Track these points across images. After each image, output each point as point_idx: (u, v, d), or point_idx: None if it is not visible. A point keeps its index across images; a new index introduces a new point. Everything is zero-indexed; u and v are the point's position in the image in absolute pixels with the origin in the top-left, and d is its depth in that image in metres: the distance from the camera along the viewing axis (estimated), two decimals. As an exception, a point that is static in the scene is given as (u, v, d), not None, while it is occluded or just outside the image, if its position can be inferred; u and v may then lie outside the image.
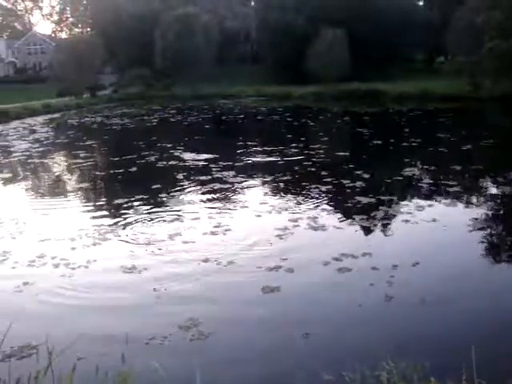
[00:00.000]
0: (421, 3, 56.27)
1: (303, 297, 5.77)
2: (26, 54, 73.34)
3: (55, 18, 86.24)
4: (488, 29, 28.49)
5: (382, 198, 9.54)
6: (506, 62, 27.44)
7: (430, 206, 9.06)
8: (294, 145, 16.59)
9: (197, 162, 14.30)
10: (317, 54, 40.84)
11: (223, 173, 12.49)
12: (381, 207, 8.93)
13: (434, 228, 7.83)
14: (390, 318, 5.37)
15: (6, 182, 13.57)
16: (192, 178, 12.24)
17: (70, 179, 14.05)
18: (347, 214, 8.72)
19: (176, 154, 15.90)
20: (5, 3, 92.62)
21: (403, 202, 9.54)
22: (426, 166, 12.59)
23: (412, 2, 53.55)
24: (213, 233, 7.86)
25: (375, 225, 8.12)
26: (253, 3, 66.53)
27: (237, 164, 13.76)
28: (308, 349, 4.71)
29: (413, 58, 51.62)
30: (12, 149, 19.67)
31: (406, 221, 8.15)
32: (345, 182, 10.97)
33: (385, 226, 8.09)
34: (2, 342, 3.29)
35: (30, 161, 16.62)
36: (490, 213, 8.79)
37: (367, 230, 7.92)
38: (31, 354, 4.52)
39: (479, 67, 29.44)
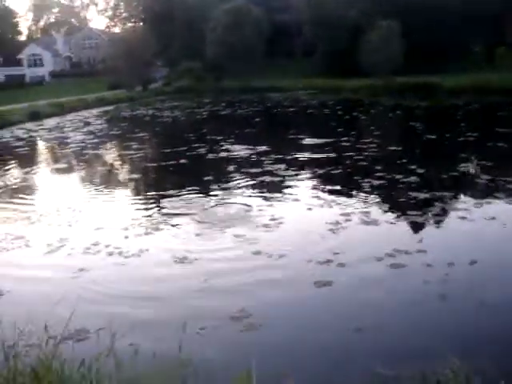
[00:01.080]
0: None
1: (356, 292, 5.65)
2: (81, 49, 75.67)
3: (109, 13, 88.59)
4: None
5: (437, 193, 9.22)
6: None
7: (488, 203, 8.68)
8: (345, 138, 16.34)
9: (247, 155, 14.31)
10: (370, 47, 40.05)
11: (274, 166, 12.43)
12: (436, 203, 8.65)
13: (493, 226, 7.49)
14: (445, 317, 5.18)
15: (63, 172, 14.04)
16: (243, 170, 12.25)
17: (122, 170, 14.37)
18: (401, 210, 8.50)
19: (226, 146, 15.97)
20: (63, 1, 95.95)
21: (460, 199, 9.20)
22: (483, 162, 12.10)
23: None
24: (264, 225, 7.82)
25: (430, 221, 7.87)
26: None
27: (288, 157, 13.67)
28: (361, 344, 4.61)
29: (471, 49, 49.71)
30: (68, 140, 20.35)
31: (463, 218, 7.84)
32: (398, 176, 10.69)
33: (440, 222, 7.83)
34: (66, 326, 3.38)
35: (84, 152, 17.13)
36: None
37: (422, 227, 7.67)
38: (89, 337, 4.64)
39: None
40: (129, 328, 3.86)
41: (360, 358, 4.37)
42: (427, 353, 4.22)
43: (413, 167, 11.41)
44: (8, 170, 14.72)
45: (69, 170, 14.23)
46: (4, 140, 20.96)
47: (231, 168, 12.66)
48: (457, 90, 32.19)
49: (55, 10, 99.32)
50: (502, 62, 39.60)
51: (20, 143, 19.99)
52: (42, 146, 20.77)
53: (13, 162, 16.23)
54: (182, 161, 14.03)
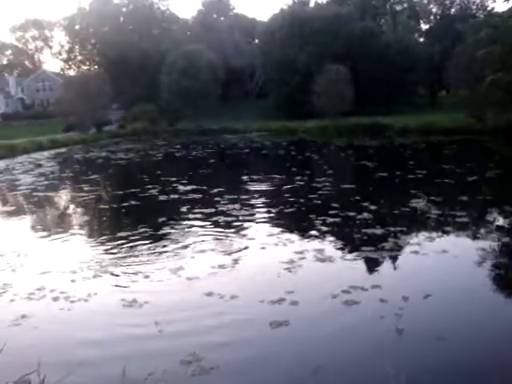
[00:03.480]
0: (421, 39, 57.27)
1: (312, 330, 5.55)
2: (34, 91, 74.79)
3: (64, 56, 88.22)
4: (489, 62, 28.79)
5: (390, 229, 9.35)
6: (508, 94, 27.63)
7: (438, 236, 8.87)
8: (298, 178, 16.51)
9: (201, 196, 14.20)
10: (320, 90, 41.29)
11: (228, 206, 12.35)
12: (389, 239, 8.75)
13: (444, 259, 7.62)
14: (402, 351, 5.14)
15: (11, 214, 13.50)
16: (196, 211, 12.10)
17: (73, 212, 13.97)
18: (355, 246, 8.54)
19: (180, 187, 15.82)
20: (16, 43, 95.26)
21: (411, 233, 9.35)
22: (432, 198, 12.42)
23: (413, 38, 54.51)
24: (218, 266, 7.66)
25: (384, 256, 7.91)
26: (257, 41, 67.89)
27: (242, 197, 13.64)
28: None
29: (415, 92, 52.19)
30: (17, 182, 19.70)
31: (416, 252, 7.95)
32: (351, 214, 10.81)
33: (394, 257, 7.89)
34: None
35: (34, 194, 16.58)
36: (499, 243, 8.57)
37: (376, 262, 7.71)
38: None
39: (481, 100, 29.64)
40: (71, 370, 3.62)
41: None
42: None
43: (366, 204, 11.59)
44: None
45: (17, 212, 13.70)
46: None
47: (184, 209, 12.50)
48: (405, 129, 33.54)
49: (8, 52, 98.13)
50: (443, 104, 41.69)
51: (-35, 187, 19.22)
52: (-12, 189, 20.00)
53: (-44, 206, 15.52)
54: (135, 202, 13.77)
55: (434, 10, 56.65)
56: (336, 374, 4.72)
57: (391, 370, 4.61)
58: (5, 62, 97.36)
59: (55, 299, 6.57)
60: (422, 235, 8.98)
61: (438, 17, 55.62)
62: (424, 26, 59.24)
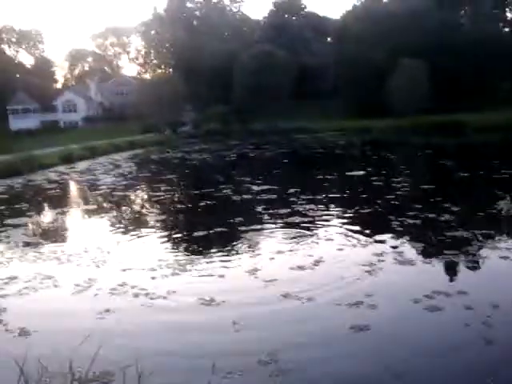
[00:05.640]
0: (506, 29, 54.13)
1: (393, 336, 5.33)
2: (113, 95, 78.23)
3: (140, 60, 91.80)
4: None
5: (475, 232, 8.85)
6: None
7: (530, 241, 8.29)
8: (375, 178, 16.10)
9: (276, 196, 14.17)
10: (396, 87, 40.16)
11: (304, 206, 12.23)
12: (473, 242, 8.28)
13: (538, 265, 7.10)
14: (491, 362, 4.81)
15: (93, 213, 14.12)
16: (271, 211, 12.07)
17: (150, 211, 14.36)
18: (436, 249, 8.15)
19: (254, 187, 15.88)
20: (96, 50, 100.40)
21: (498, 237, 8.80)
22: (521, 199, 11.66)
23: (497, 28, 51.62)
24: (294, 268, 7.56)
25: (469, 261, 7.48)
26: (329, 39, 67.19)
27: (317, 197, 13.47)
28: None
29: (498, 87, 49.38)
30: (98, 182, 20.62)
31: (505, 257, 7.45)
32: (431, 215, 10.36)
33: (480, 262, 7.45)
34: (90, 366, 3.24)
35: (114, 193, 17.26)
36: None
37: (460, 267, 7.31)
38: (113, 379, 4.45)
39: None
40: (156, 367, 3.67)
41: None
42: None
43: (447, 205, 11.07)
44: (39, 211, 14.91)
45: (98, 211, 14.30)
46: (37, 182, 21.36)
47: (260, 209, 12.51)
48: (486, 127, 31.80)
49: (89, 59, 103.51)
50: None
51: (52, 185, 20.34)
52: (73, 188, 21.08)
53: (44, 203, 16.47)
54: (210, 202, 13.96)
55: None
56: (417, 382, 4.49)
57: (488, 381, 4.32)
58: (86, 68, 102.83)
59: (136, 295, 6.74)
60: (511, 239, 8.42)
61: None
62: (510, 15, 55.96)
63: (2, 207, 15.34)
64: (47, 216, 14.32)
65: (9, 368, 3.49)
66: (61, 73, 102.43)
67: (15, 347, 5.28)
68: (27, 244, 10.19)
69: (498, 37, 48.19)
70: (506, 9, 55.53)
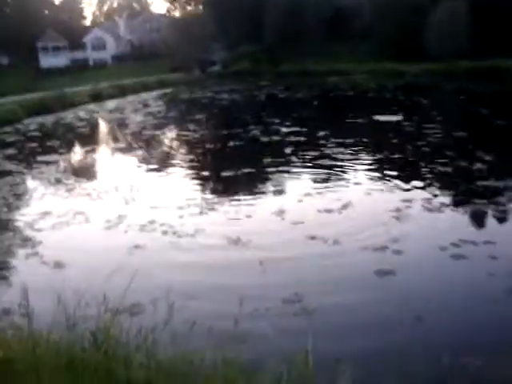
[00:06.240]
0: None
1: (417, 282, 5.38)
2: (142, 33, 76.94)
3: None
4: None
5: (507, 182, 8.67)
6: None
7: None
8: (406, 123, 15.75)
9: (305, 138, 14.04)
10: (433, 29, 38.40)
11: (333, 149, 12.12)
12: (505, 192, 8.12)
13: None
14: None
15: (122, 151, 14.29)
16: (300, 153, 12.01)
17: (179, 151, 14.45)
18: (466, 198, 8.05)
19: (283, 129, 15.73)
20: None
21: (532, 188, 8.61)
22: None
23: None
24: (322, 210, 7.59)
25: (499, 211, 7.37)
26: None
27: (347, 141, 13.30)
28: (421, 334, 4.38)
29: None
30: (127, 121, 20.73)
31: (537, 208, 7.33)
32: (463, 163, 10.16)
33: (510, 213, 7.33)
34: (122, 298, 3.40)
35: (143, 132, 17.37)
36: None
37: (489, 216, 7.22)
38: (144, 310, 4.66)
39: None
40: (184, 302, 3.82)
41: (419, 347, 4.13)
42: (488, 347, 4.02)
43: (479, 154, 10.80)
44: (70, 149, 15.17)
45: (128, 150, 14.46)
46: (67, 121, 21.60)
47: (288, 151, 12.44)
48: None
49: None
50: None
51: (82, 123, 20.57)
52: (102, 126, 21.27)
53: (75, 141, 16.72)
54: (239, 143, 13.94)
55: None
56: (438, 326, 4.55)
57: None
58: (115, 5, 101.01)
59: (164, 233, 6.91)
60: (545, 190, 8.23)
61: None
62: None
63: (35, 144, 15.65)
64: (78, 154, 14.58)
65: (47, 297, 3.67)
66: (89, 9, 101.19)
67: (51, 278, 5.54)
68: (59, 181, 10.44)
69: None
70: None
